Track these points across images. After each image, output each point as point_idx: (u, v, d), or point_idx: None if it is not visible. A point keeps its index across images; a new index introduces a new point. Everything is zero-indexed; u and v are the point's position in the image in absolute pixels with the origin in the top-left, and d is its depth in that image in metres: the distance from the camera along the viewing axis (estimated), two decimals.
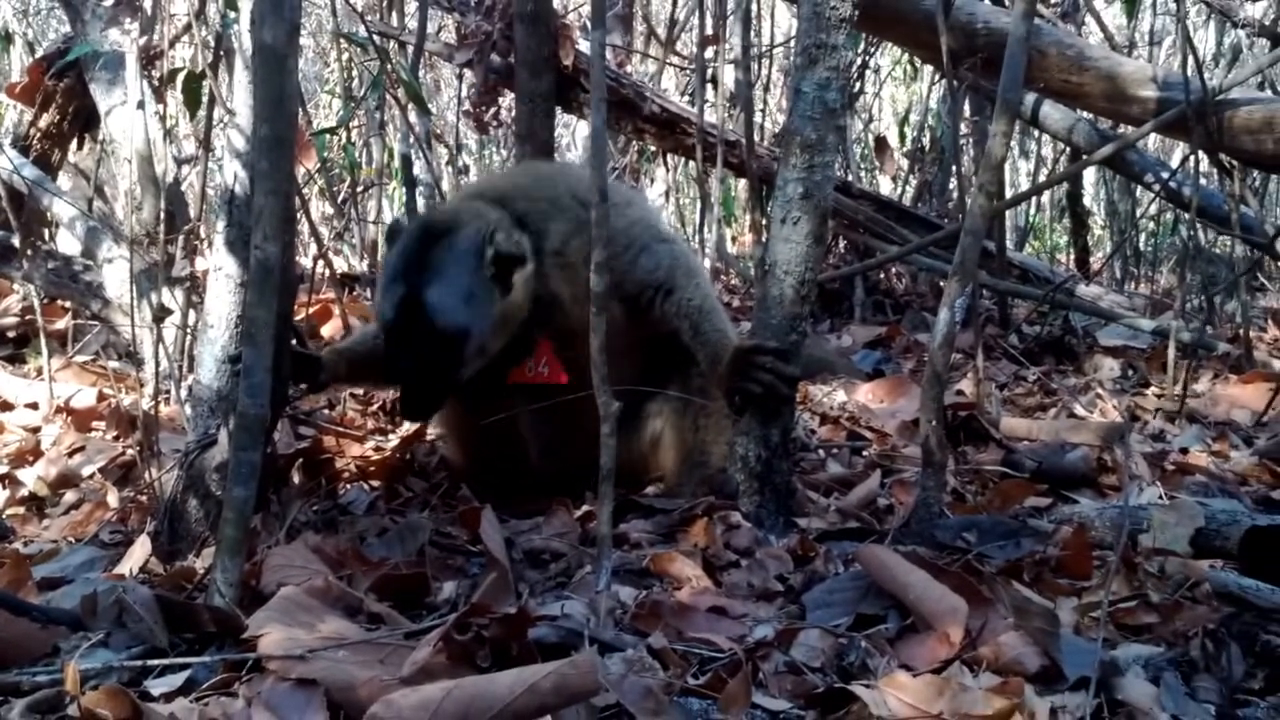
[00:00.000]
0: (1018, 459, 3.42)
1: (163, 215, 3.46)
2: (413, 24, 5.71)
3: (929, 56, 5.87)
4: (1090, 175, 9.22)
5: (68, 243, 4.93)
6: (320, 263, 4.54)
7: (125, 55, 4.32)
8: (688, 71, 7.44)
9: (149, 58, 4.41)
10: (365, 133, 7.03)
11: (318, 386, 3.03)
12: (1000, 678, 1.83)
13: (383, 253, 2.90)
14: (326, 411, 3.79)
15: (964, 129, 6.13)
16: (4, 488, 3.38)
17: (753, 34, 6.63)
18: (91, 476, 3.42)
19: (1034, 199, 8.15)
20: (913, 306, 6.31)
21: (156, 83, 4.38)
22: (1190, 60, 4.62)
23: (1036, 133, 7.17)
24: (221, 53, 3.38)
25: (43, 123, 5.17)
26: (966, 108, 6.19)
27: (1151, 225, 7.88)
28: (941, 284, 4.71)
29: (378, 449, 3.59)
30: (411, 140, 5.72)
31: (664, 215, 8.89)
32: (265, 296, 2.20)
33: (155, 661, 1.90)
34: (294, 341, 2.80)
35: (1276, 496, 3.23)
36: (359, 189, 6.54)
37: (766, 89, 8.07)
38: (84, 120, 5.23)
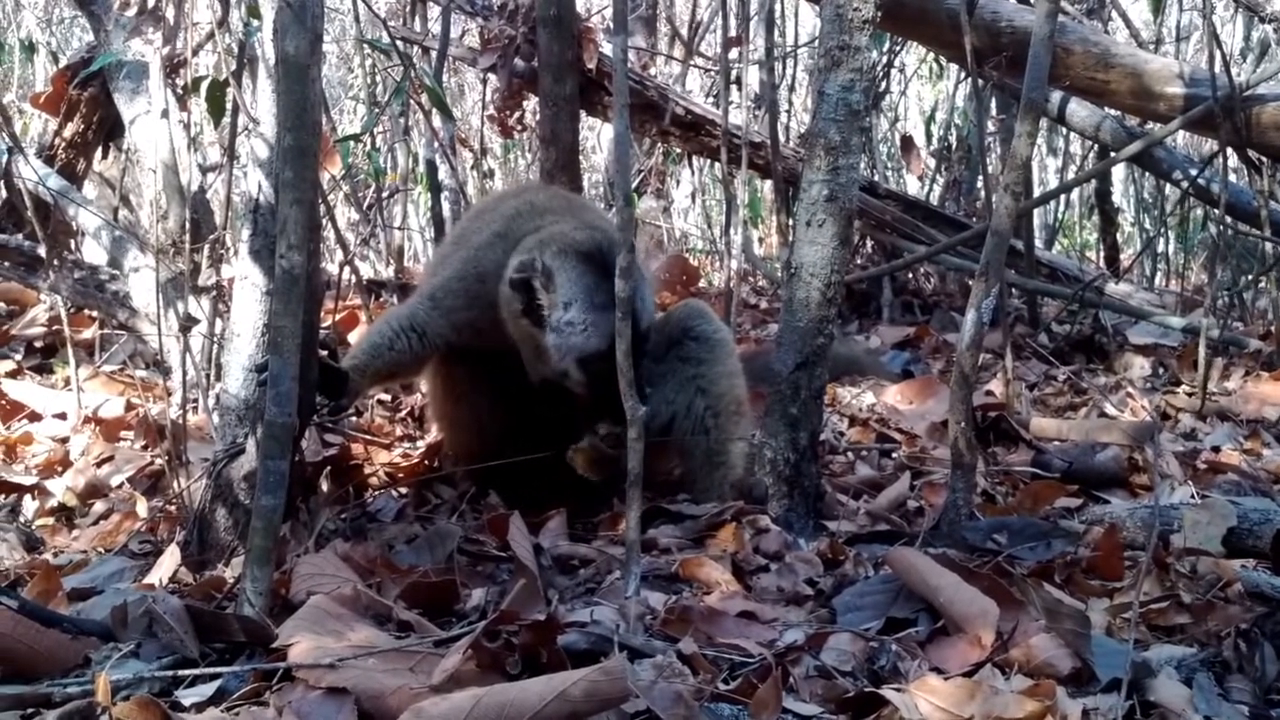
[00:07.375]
0: (1048, 459, 3.40)
1: (188, 224, 3.46)
2: (436, 29, 5.72)
3: (954, 55, 5.84)
4: (1119, 172, 9.15)
5: (94, 252, 4.93)
6: (346, 269, 4.55)
7: (149, 64, 4.34)
8: (712, 73, 7.43)
9: (172, 66, 4.42)
10: (390, 138, 7.05)
11: (339, 407, 3.03)
12: (1032, 680, 1.83)
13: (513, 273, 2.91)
14: (354, 419, 3.80)
15: (991, 127, 6.10)
16: (33, 498, 3.40)
17: (777, 34, 6.61)
18: (120, 486, 3.42)
19: (1063, 196, 8.09)
20: (941, 306, 6.26)
21: (180, 91, 4.38)
22: (1217, 56, 4.60)
23: (1065, 130, 7.11)
24: (245, 60, 3.39)
25: (67, 132, 5.18)
26: (993, 105, 6.16)
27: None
28: (970, 283, 4.67)
29: (406, 455, 3.60)
30: (436, 145, 5.73)
31: (690, 217, 8.89)
32: (291, 306, 2.20)
33: (186, 672, 1.91)
34: (325, 353, 2.80)
35: None
36: (384, 195, 6.55)
37: (791, 89, 8.05)
38: (108, 129, 5.24)
